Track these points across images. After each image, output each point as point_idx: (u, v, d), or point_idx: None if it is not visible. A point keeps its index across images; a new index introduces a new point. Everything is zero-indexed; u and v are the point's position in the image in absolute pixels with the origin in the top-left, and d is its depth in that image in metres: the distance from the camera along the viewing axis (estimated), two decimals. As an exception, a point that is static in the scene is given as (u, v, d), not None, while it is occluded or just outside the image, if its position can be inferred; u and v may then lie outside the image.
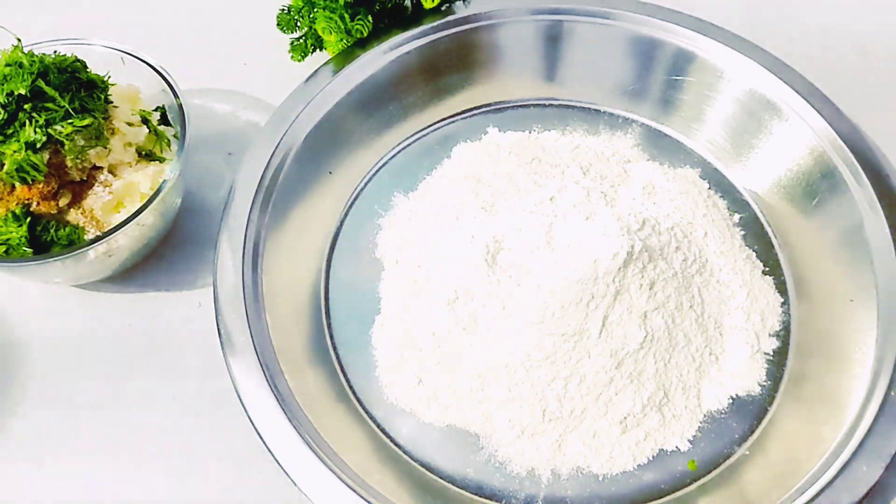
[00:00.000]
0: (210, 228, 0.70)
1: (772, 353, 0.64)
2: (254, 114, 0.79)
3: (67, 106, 0.59)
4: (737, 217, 0.70)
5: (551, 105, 0.78)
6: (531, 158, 0.71)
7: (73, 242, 0.61)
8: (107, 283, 0.69)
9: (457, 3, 0.76)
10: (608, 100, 0.77)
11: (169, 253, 0.70)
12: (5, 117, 0.58)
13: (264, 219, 0.65)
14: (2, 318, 0.68)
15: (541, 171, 0.70)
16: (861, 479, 0.53)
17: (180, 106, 0.65)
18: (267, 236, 0.64)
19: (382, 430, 0.61)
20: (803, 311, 0.65)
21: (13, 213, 0.59)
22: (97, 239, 0.59)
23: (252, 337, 0.58)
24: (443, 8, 0.75)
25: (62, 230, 0.61)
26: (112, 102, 0.64)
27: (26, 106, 0.58)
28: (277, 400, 0.56)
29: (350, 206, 0.72)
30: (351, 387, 0.63)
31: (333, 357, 0.64)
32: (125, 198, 0.63)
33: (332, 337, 0.65)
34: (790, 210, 0.70)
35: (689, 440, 0.60)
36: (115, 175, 0.63)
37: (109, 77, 0.65)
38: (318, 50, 0.76)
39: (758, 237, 0.69)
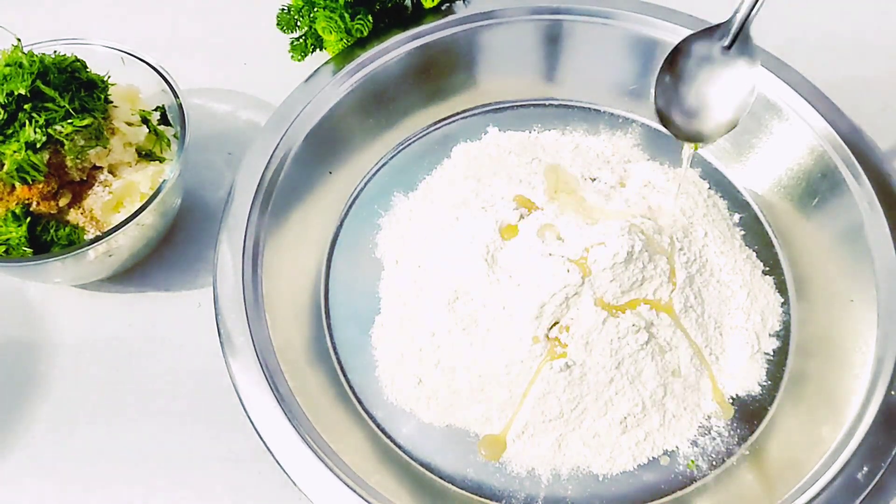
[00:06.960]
0: (210, 228, 0.70)
1: (772, 353, 0.64)
2: (254, 114, 0.79)
3: (67, 106, 0.59)
4: (737, 217, 0.70)
5: (551, 105, 0.78)
6: (531, 158, 0.71)
7: (73, 242, 0.61)
8: (107, 283, 0.69)
9: (457, 3, 0.76)
10: (608, 100, 0.77)
11: (169, 253, 0.70)
12: (5, 117, 0.58)
13: (264, 219, 0.64)
14: (1, 318, 0.68)
15: (541, 171, 0.70)
16: (861, 479, 0.53)
17: (180, 106, 0.65)
18: (267, 236, 0.64)
19: (382, 430, 0.61)
20: (803, 311, 0.65)
21: (13, 212, 0.59)
22: (97, 239, 0.59)
23: (252, 337, 0.58)
24: (443, 8, 0.75)
25: (62, 230, 0.61)
26: (112, 102, 0.64)
27: (26, 106, 0.58)
28: (277, 400, 0.56)
29: (350, 206, 0.72)
30: (351, 387, 0.63)
31: (333, 357, 0.64)
32: (125, 198, 0.63)
33: (332, 337, 0.65)
34: (790, 210, 0.70)
35: (689, 440, 0.60)
36: (114, 175, 0.63)
37: (109, 77, 0.65)
38: (318, 50, 0.76)
39: (758, 237, 0.69)
